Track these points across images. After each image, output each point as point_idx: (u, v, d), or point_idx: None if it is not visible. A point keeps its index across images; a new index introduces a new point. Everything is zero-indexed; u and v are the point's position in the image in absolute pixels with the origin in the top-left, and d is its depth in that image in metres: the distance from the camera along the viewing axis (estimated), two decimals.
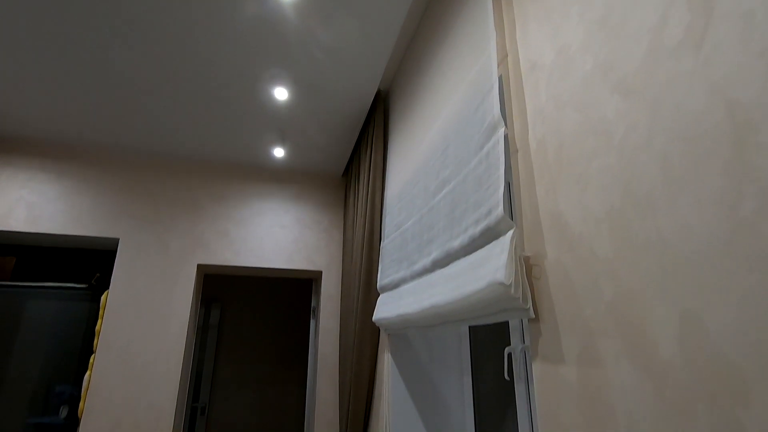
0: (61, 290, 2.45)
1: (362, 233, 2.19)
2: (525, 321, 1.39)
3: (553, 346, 0.79)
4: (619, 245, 0.66)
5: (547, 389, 0.80)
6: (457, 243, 1.17)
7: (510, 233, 0.90)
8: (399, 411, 1.77)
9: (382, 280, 1.93)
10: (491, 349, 1.71)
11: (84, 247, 2.76)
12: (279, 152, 2.59)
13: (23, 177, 2.45)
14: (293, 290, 4.85)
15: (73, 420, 2.24)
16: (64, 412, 2.27)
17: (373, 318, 1.92)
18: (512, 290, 0.84)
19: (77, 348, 2.38)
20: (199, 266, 2.58)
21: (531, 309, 0.85)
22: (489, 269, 0.91)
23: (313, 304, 3.00)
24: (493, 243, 0.97)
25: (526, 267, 0.89)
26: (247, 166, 2.82)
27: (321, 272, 2.75)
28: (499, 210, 0.93)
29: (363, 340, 2.05)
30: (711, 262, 0.51)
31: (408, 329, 1.62)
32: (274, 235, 2.73)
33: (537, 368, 0.84)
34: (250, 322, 4.62)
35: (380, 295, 1.95)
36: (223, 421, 4.28)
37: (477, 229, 1.05)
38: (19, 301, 2.42)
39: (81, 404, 2.20)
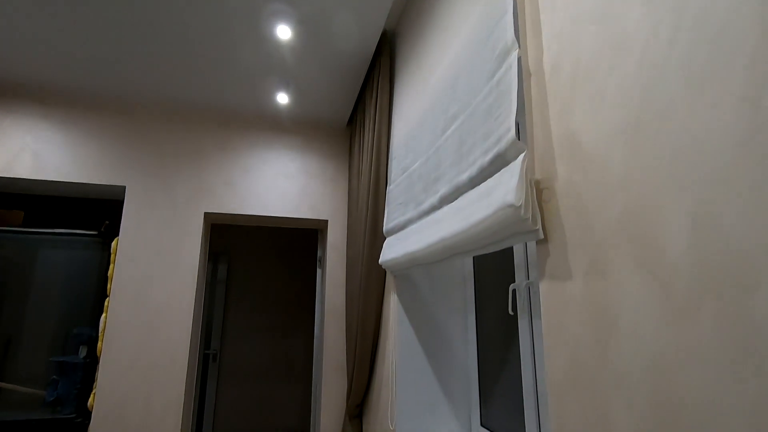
0: (72, 237, 2.50)
1: (368, 179, 2.19)
2: (531, 250, 1.41)
3: (560, 264, 0.81)
4: (634, 158, 0.65)
5: (553, 305, 0.82)
6: (465, 176, 1.17)
7: (521, 157, 0.89)
8: (405, 349, 1.84)
9: (388, 224, 1.95)
10: (495, 288, 1.75)
11: (91, 197, 2.78)
12: (283, 98, 2.54)
13: (27, 124, 2.43)
14: (298, 242, 4.92)
15: (93, 359, 2.34)
16: (83, 351, 2.38)
17: (380, 260, 1.96)
18: (522, 212, 0.84)
19: (92, 292, 2.46)
20: (206, 215, 2.60)
21: (540, 230, 0.86)
22: (499, 194, 0.92)
23: (319, 254, 3.05)
24: (503, 170, 0.97)
25: (536, 190, 0.89)
26: (252, 115, 2.77)
27: (326, 221, 2.78)
28: (510, 134, 0.92)
29: (369, 284, 2.10)
30: (728, 162, 0.51)
31: (414, 268, 1.65)
32: (280, 184, 2.73)
33: (544, 287, 0.86)
34: (257, 274, 4.73)
35: (386, 239, 1.98)
36: (235, 367, 4.47)
37: (486, 159, 1.04)
38: (32, 249, 2.47)
39: (99, 344, 2.30)
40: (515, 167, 0.90)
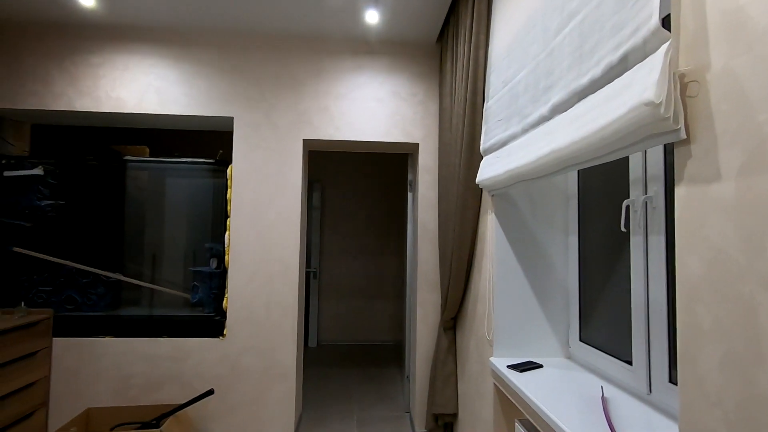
0: (193, 165, 2.83)
1: (463, 97, 2.11)
2: (652, 161, 1.29)
3: (705, 165, 0.74)
4: None
5: (692, 210, 0.77)
6: (586, 79, 1.08)
7: (663, 47, 0.79)
8: (502, 266, 1.88)
9: (486, 142, 1.90)
10: (601, 207, 1.66)
11: (204, 129, 3.06)
12: (372, 16, 2.46)
13: (147, 63, 2.68)
14: (387, 167, 5.04)
15: (223, 269, 2.75)
16: (213, 263, 2.79)
17: (477, 180, 1.95)
18: (662, 110, 0.77)
19: (216, 213, 2.82)
20: (305, 141, 2.75)
21: (682, 129, 0.78)
22: (633, 93, 0.84)
23: (410, 177, 3.10)
24: (637, 66, 0.87)
25: (681, 84, 0.80)
26: (342, 38, 2.76)
27: (418, 144, 2.78)
28: (653, 22, 0.82)
29: (465, 203, 2.11)
30: None
31: (513, 187, 1.62)
32: (371, 109, 2.75)
33: (682, 192, 0.80)
34: (349, 200, 4.99)
35: (484, 158, 1.94)
36: (333, 284, 4.94)
37: (616, 56, 0.94)
38: (160, 177, 2.86)
39: (226, 257, 2.67)
40: (656, 60, 0.80)
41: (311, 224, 4.89)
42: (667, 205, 1.26)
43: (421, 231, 2.75)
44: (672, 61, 0.79)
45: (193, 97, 2.69)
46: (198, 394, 2.47)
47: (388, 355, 4.51)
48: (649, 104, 0.78)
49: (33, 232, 2.71)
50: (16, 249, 2.68)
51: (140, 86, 2.67)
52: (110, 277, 2.75)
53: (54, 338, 2.58)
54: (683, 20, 0.80)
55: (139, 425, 2.20)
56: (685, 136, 0.78)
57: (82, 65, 2.66)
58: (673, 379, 1.24)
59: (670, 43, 0.79)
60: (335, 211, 4.98)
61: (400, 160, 5.06)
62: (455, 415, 2.48)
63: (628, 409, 1.28)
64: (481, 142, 1.96)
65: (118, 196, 2.81)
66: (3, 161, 2.70)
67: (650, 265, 1.34)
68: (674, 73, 0.78)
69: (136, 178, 2.86)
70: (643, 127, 0.83)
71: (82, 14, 2.53)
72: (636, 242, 1.40)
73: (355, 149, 2.96)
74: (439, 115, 2.71)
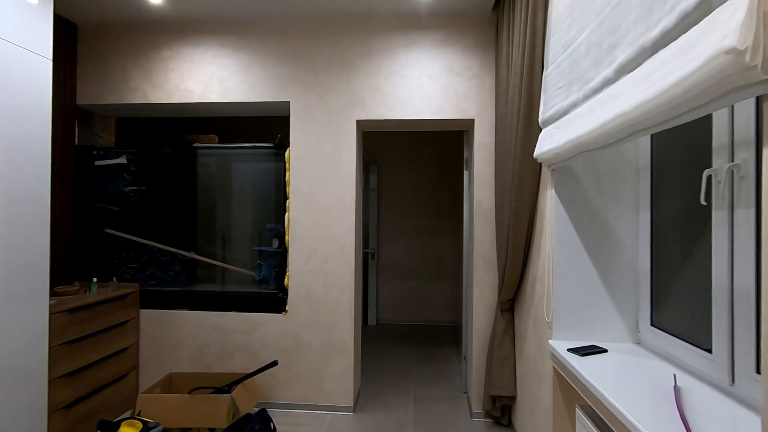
0: (254, 150, 2.96)
1: (521, 66, 1.99)
2: (740, 124, 1.13)
3: None
4: None
5: None
6: (656, 31, 0.95)
7: None
8: (563, 245, 1.77)
9: (545, 113, 1.78)
10: (678, 180, 1.49)
11: (264, 115, 3.18)
12: None
13: (210, 54, 2.83)
14: (443, 146, 4.94)
15: (284, 248, 2.88)
16: (275, 243, 2.93)
17: (535, 153, 1.84)
18: (748, 57, 0.66)
19: (276, 195, 2.94)
20: (358, 122, 2.76)
21: None
22: (712, 40, 0.73)
23: (465, 155, 3.01)
24: (718, 10, 0.76)
25: None
26: (391, 14, 2.70)
27: (473, 120, 2.68)
28: None
29: (522, 179, 2.01)
30: None
31: (575, 159, 1.50)
32: (423, 86, 2.69)
33: None
34: (405, 181, 4.97)
35: (543, 130, 1.82)
36: (391, 265, 4.99)
37: (692, 0, 0.82)
38: (226, 162, 3.03)
39: (286, 237, 2.79)
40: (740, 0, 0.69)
41: (368, 206, 4.95)
42: (759, 174, 1.10)
43: (477, 210, 2.67)
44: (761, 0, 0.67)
45: (252, 84, 2.80)
46: (263, 365, 2.64)
47: (445, 335, 4.50)
48: (732, 51, 0.67)
49: (120, 216, 3.02)
50: (109, 230, 3.01)
51: (204, 77, 2.82)
52: (186, 256, 3.00)
53: (141, 310, 2.88)
54: None
55: (212, 390, 2.40)
56: None
57: (155, 60, 2.87)
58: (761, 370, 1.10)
59: None
60: (392, 193, 4.99)
61: (456, 138, 4.93)
62: (513, 398, 2.42)
63: (705, 400, 1.16)
64: (540, 113, 1.83)
65: (190, 181, 3.03)
66: (95, 152, 3.01)
67: (736, 244, 1.19)
68: (765, 13, 0.66)
69: (206, 164, 3.06)
70: (724, 80, 0.72)
71: (152, 11, 2.71)
72: (719, 217, 1.25)
73: (408, 128, 2.92)
74: (496, 88, 2.58)
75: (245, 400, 2.32)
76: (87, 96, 2.91)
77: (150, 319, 2.86)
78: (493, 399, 2.47)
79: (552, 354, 1.73)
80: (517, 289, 2.32)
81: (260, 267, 2.95)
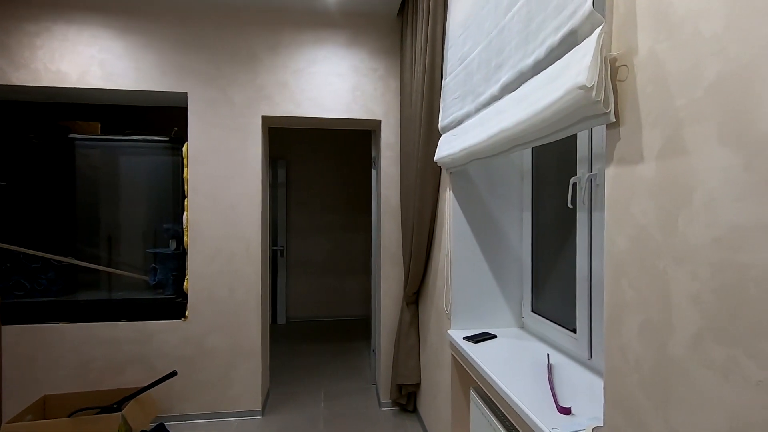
0: (146, 143, 2.70)
1: (422, 73, 2.10)
2: (596, 141, 1.35)
3: (631, 146, 0.78)
4: (734, 16, 0.58)
5: (619, 188, 0.81)
6: (531, 59, 1.09)
7: (597, 32, 0.81)
8: (460, 242, 1.92)
9: (443, 120, 1.91)
10: (553, 184, 1.72)
11: (158, 105, 2.91)
12: None
13: (88, 34, 2.50)
14: (353, 144, 4.99)
15: (182, 250, 2.68)
16: (173, 244, 2.72)
17: (435, 158, 1.96)
18: (593, 94, 0.79)
19: (173, 193, 2.73)
20: (264, 118, 2.67)
21: (611, 113, 0.81)
22: (569, 76, 0.86)
23: (373, 154, 3.09)
24: (575, 49, 0.89)
25: (611, 69, 0.82)
26: (300, 10, 2.65)
27: (380, 121, 2.76)
28: (587, 5, 0.83)
29: (425, 180, 2.13)
30: None
31: (471, 164, 1.64)
32: (331, 84, 2.69)
33: (611, 172, 0.84)
34: (315, 177, 4.93)
35: (442, 136, 1.95)
36: (301, 261, 4.93)
37: (557, 37, 0.96)
38: (113, 155, 2.72)
39: (185, 238, 2.61)
40: (589, 44, 0.82)
41: (276, 202, 4.82)
42: None
43: (385, 207, 2.77)
44: (604, 46, 0.81)
45: (143, 72, 2.54)
46: (160, 377, 2.45)
47: (357, 329, 4.59)
48: (582, 87, 0.80)
49: None
50: None
51: (82, 59, 2.50)
52: (61, 262, 2.64)
53: (3, 326, 2.47)
54: (615, 4, 0.82)
55: (99, 410, 2.17)
56: (615, 119, 0.82)
57: (15, 34, 2.45)
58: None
59: (602, 27, 0.81)
60: (302, 188, 4.92)
61: (366, 136, 5.02)
62: (418, 385, 2.58)
63: (571, 373, 1.37)
64: (439, 119, 1.96)
65: (67, 176, 2.66)
66: None
67: (593, 240, 1.41)
68: (606, 57, 0.81)
69: (87, 156, 2.71)
70: (579, 110, 0.86)
71: None
72: (581, 218, 1.47)
73: (316, 126, 2.90)
74: (401, 91, 2.68)
75: (139, 417, 2.14)
76: None
77: (16, 336, 2.47)
78: (400, 387, 2.61)
79: (450, 342, 1.88)
80: (421, 282, 2.47)
81: (155, 271, 2.72)
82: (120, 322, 2.55)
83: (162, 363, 2.57)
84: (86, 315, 2.60)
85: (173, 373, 2.32)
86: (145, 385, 2.40)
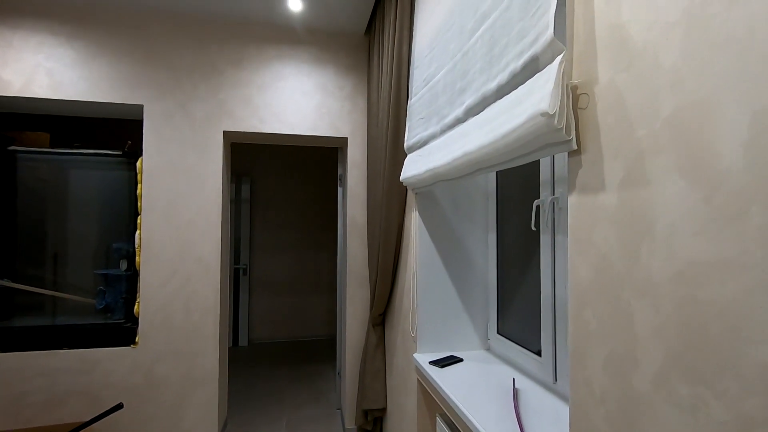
0: (98, 157, 2.54)
1: (388, 93, 2.09)
2: (558, 165, 1.36)
3: (593, 175, 0.77)
4: (692, 49, 0.58)
5: (581, 217, 0.80)
6: (494, 84, 1.09)
7: (558, 59, 0.81)
8: (426, 263, 1.89)
9: (409, 140, 1.89)
10: (518, 206, 1.73)
11: (111, 117, 2.77)
12: (295, 4, 2.35)
13: (35, 41, 2.35)
14: (319, 161, 4.92)
15: (133, 271, 2.52)
16: (123, 264, 2.55)
17: (401, 178, 1.94)
18: (555, 121, 0.79)
19: (125, 210, 2.56)
20: (226, 133, 2.58)
21: (573, 140, 0.81)
22: (531, 102, 0.85)
23: (339, 172, 3.04)
24: (537, 75, 0.89)
25: (573, 96, 0.82)
26: (265, 25, 2.60)
27: (346, 139, 2.73)
28: (549, 33, 0.83)
29: (391, 200, 2.10)
30: None
31: (436, 185, 1.63)
32: (297, 101, 2.65)
33: (573, 199, 0.83)
34: (280, 193, 4.82)
35: (408, 156, 1.94)
36: (264, 280, 4.77)
37: (519, 63, 0.96)
38: (63, 169, 2.54)
39: (137, 258, 2.45)
40: (551, 71, 0.82)
41: (240, 219, 4.67)
42: None
43: (351, 226, 2.72)
44: (566, 73, 0.81)
45: (94, 82, 2.41)
46: (105, 410, 2.26)
47: (322, 350, 4.46)
48: (544, 114, 0.79)
49: None
50: None
51: (27, 66, 2.34)
52: None
53: None
54: (576, 33, 0.82)
55: None
56: (576, 147, 0.81)
57: None
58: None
59: (563, 55, 0.81)
60: (266, 205, 4.79)
61: (333, 153, 4.97)
62: (384, 410, 2.50)
63: (536, 398, 1.35)
64: (405, 139, 1.95)
65: (6, 191, 2.46)
66: None
67: (557, 263, 1.42)
68: (567, 85, 0.81)
69: (31, 169, 2.51)
70: (541, 136, 0.85)
71: None
72: (545, 241, 1.47)
73: (280, 142, 2.84)
74: (368, 109, 2.67)
75: None
76: None
77: None
78: (366, 413, 2.52)
79: (416, 367, 1.83)
80: (387, 303, 2.42)
81: (102, 294, 2.54)
82: (61, 351, 2.34)
83: (107, 394, 2.38)
84: (22, 343, 2.37)
85: (119, 406, 2.14)
86: (87, 420, 2.20)
